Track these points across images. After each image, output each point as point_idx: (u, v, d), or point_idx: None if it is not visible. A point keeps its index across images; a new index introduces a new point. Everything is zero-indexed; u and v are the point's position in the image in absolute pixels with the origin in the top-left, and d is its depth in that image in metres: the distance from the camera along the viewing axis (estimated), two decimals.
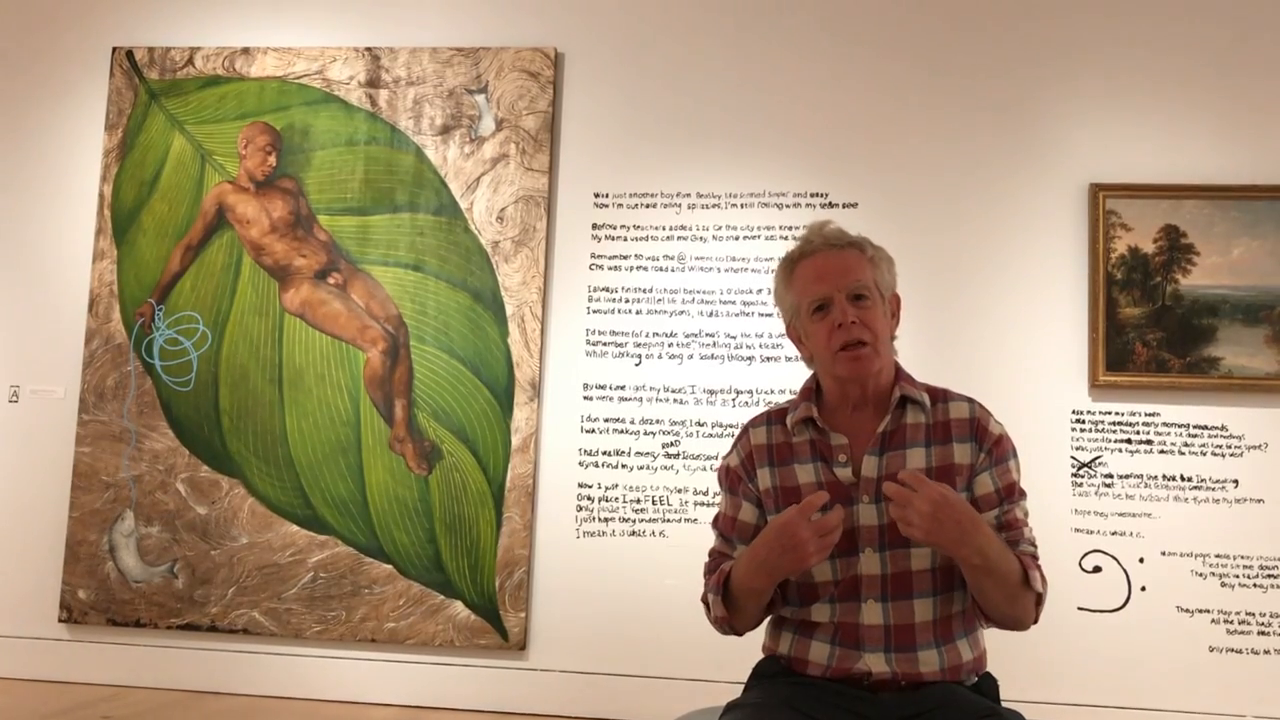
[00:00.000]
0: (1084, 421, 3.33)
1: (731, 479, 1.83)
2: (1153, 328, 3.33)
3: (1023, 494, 1.76)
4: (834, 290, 1.73)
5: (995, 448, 1.73)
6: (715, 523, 1.86)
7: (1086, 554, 3.29)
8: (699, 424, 3.47)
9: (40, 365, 3.74)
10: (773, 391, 3.43)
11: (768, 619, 1.82)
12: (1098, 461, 3.32)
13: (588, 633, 3.43)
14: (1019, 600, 1.66)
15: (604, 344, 3.55)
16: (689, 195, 3.57)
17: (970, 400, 1.78)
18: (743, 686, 1.79)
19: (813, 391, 1.81)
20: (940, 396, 1.78)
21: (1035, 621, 1.72)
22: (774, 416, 1.83)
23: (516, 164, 3.62)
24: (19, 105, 3.87)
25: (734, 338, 3.49)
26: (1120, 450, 3.31)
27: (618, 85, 3.64)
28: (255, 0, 3.84)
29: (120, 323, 3.69)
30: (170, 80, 3.78)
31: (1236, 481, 3.27)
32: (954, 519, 1.57)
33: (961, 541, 1.57)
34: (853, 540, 1.69)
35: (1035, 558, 1.72)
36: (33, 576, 3.64)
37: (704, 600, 1.80)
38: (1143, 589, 3.27)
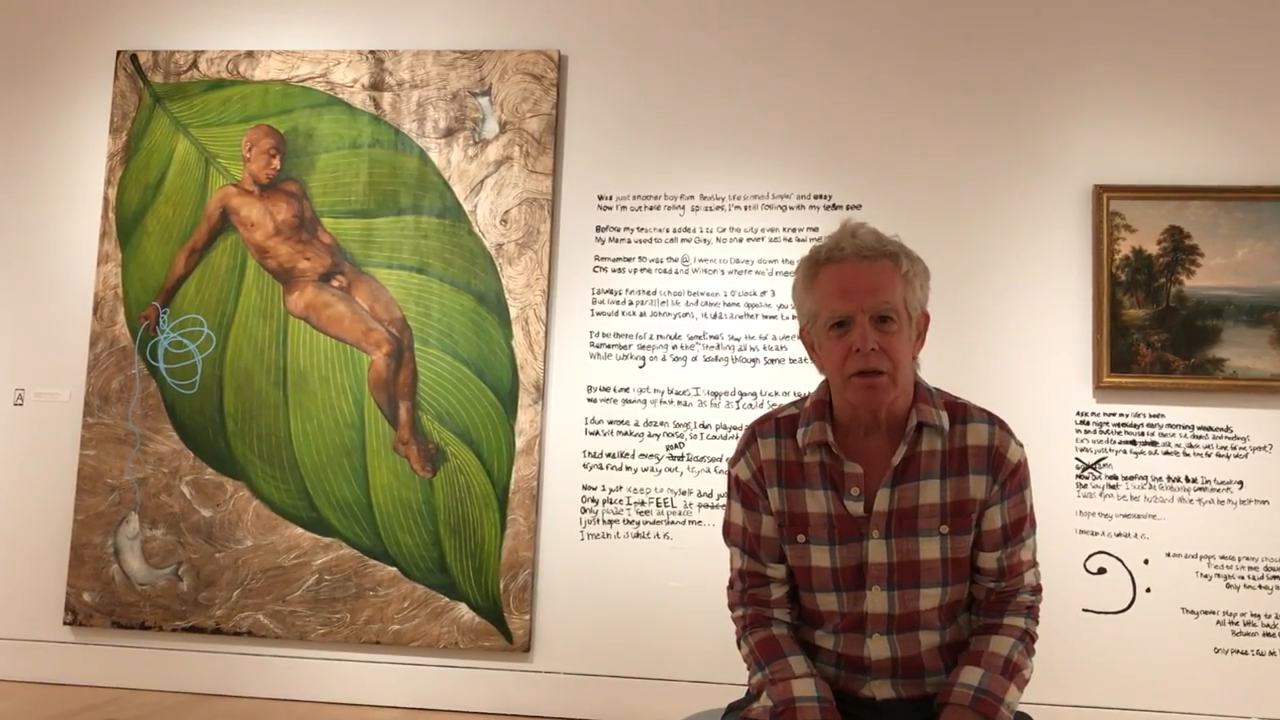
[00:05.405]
0: (1088, 423, 3.33)
1: (745, 493, 1.72)
2: (1157, 329, 3.32)
3: (1033, 525, 1.68)
4: (857, 310, 1.59)
5: (1010, 479, 1.64)
6: (728, 534, 1.75)
7: (1091, 555, 3.29)
8: (703, 426, 3.47)
9: (45, 368, 3.74)
10: (776, 394, 3.43)
11: None
12: (1102, 463, 3.31)
13: (592, 635, 3.43)
14: None
15: (608, 346, 3.55)
16: (692, 197, 3.57)
17: (991, 422, 1.67)
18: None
19: (825, 406, 1.69)
20: (960, 415, 1.67)
21: None
22: (783, 427, 1.71)
23: (520, 166, 3.62)
24: (24, 109, 3.88)
25: (738, 340, 3.49)
26: (1125, 451, 3.31)
27: (621, 87, 3.65)
28: (259, 4, 3.85)
29: (125, 326, 3.70)
30: (174, 83, 3.78)
31: (1241, 483, 3.26)
32: None
33: None
34: (860, 576, 1.64)
35: (1032, 608, 1.67)
36: (37, 579, 3.65)
37: (739, 643, 1.74)
38: (1148, 590, 3.26)
